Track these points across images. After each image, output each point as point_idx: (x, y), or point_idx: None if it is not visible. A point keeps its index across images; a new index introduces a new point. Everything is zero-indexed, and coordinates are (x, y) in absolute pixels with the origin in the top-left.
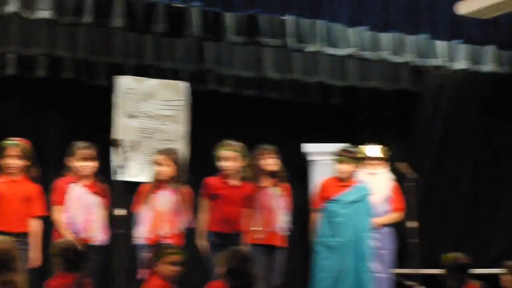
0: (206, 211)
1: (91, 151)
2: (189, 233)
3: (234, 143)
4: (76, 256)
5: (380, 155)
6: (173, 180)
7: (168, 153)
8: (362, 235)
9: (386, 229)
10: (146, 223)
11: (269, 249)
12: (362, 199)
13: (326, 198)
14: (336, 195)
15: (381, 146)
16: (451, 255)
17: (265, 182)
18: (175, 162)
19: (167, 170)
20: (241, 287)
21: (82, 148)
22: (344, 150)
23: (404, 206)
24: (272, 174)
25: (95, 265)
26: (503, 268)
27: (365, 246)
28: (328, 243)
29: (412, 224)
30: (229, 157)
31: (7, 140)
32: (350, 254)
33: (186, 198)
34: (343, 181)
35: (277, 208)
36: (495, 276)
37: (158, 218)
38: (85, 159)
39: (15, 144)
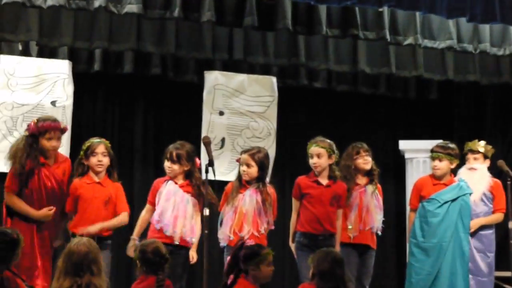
0: (296, 212)
1: (176, 152)
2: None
3: (324, 139)
4: (155, 258)
5: (481, 150)
6: (256, 180)
7: (253, 152)
8: (459, 236)
9: (490, 231)
10: (228, 223)
11: (362, 249)
12: (459, 198)
13: (422, 197)
14: (432, 193)
15: (484, 142)
16: None
17: (361, 180)
18: (259, 161)
19: (251, 170)
20: None
21: (170, 148)
22: (439, 146)
23: (505, 206)
24: (367, 173)
25: (180, 267)
26: None
27: (463, 248)
28: (422, 244)
29: (510, 224)
30: (317, 153)
31: (92, 138)
32: (445, 256)
33: (270, 198)
34: (439, 179)
35: (372, 207)
36: None
37: (240, 219)
38: (169, 159)
39: (102, 142)
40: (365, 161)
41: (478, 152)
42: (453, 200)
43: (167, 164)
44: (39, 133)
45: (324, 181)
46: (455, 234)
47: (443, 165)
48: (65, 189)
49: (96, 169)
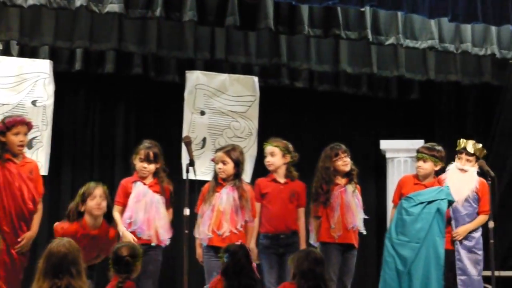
0: (258, 213)
1: (152, 151)
2: None
3: (279, 139)
4: (123, 258)
5: (476, 152)
6: (233, 177)
7: (227, 149)
8: (435, 239)
9: (479, 232)
10: (206, 223)
11: (345, 248)
12: (436, 201)
13: (402, 195)
14: (410, 192)
15: (480, 144)
16: None
17: (340, 180)
18: (235, 158)
19: (227, 167)
20: None
21: (144, 148)
22: (425, 147)
23: (489, 208)
24: (347, 173)
25: (152, 264)
26: None
27: (438, 252)
28: (394, 240)
29: (490, 224)
30: (271, 152)
31: (89, 183)
32: (417, 258)
33: (246, 195)
34: (420, 179)
35: (353, 207)
36: None
37: (218, 217)
38: (145, 160)
39: (98, 185)
40: (344, 163)
41: (473, 154)
42: (429, 202)
43: (142, 164)
44: (7, 128)
45: (281, 179)
46: (430, 237)
47: (427, 166)
48: (33, 188)
49: (94, 212)
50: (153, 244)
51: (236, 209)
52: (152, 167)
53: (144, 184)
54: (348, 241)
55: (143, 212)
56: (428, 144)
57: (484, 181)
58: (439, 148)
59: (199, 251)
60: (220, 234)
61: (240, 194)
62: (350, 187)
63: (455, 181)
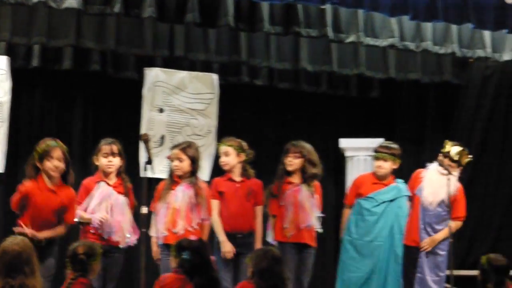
0: (217, 211)
1: (115, 145)
2: None
3: (233, 138)
4: (78, 256)
5: (458, 158)
6: (189, 175)
7: (183, 147)
8: (395, 237)
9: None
10: (161, 221)
11: (300, 247)
12: (397, 199)
13: (359, 195)
14: (370, 192)
15: (463, 149)
16: (490, 256)
17: (295, 179)
18: (191, 155)
19: (183, 164)
20: (272, 287)
21: (106, 144)
22: (383, 147)
23: (465, 215)
24: (302, 171)
25: (116, 266)
26: None
27: (397, 250)
28: (356, 242)
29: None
30: (225, 152)
31: (47, 141)
32: (380, 256)
33: (202, 192)
34: (379, 178)
35: (307, 206)
36: None
37: (173, 215)
38: (109, 155)
39: (59, 146)
40: (289, 162)
41: (455, 161)
42: (391, 201)
43: (107, 159)
44: None
45: (237, 178)
46: (391, 236)
47: (387, 166)
48: None
49: (51, 173)
50: (121, 246)
51: (192, 206)
52: (117, 161)
53: (109, 185)
54: (302, 240)
55: (109, 214)
56: (385, 143)
57: (461, 186)
58: (396, 146)
59: (155, 249)
60: (176, 232)
61: (196, 191)
62: (304, 186)
63: (434, 182)
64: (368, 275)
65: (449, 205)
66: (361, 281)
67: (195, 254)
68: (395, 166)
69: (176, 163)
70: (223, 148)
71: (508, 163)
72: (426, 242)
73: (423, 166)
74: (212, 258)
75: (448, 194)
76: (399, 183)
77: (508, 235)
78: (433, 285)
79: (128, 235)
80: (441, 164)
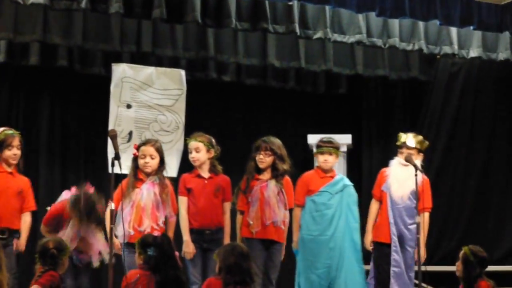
0: (185, 208)
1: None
2: None
3: (202, 134)
4: (48, 250)
5: (417, 146)
6: (155, 173)
7: (155, 144)
8: (350, 226)
9: (413, 225)
10: (126, 219)
11: (268, 243)
12: (346, 189)
13: (310, 192)
14: (321, 186)
15: (420, 136)
16: (473, 248)
17: (264, 175)
18: (162, 153)
19: (154, 162)
20: (238, 284)
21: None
22: (327, 142)
23: (432, 206)
24: (273, 168)
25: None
26: None
27: (354, 237)
28: (318, 238)
29: (418, 219)
30: (196, 148)
31: (5, 130)
32: (343, 247)
33: (167, 189)
34: (325, 172)
35: (273, 202)
36: (504, 274)
37: (139, 213)
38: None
39: (16, 135)
40: (261, 160)
41: (413, 148)
42: (341, 191)
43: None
44: None
45: (205, 174)
46: (347, 225)
47: (333, 159)
48: None
49: (11, 161)
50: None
51: (157, 204)
52: None
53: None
54: (268, 236)
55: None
56: (327, 138)
57: (426, 177)
58: (335, 140)
59: (117, 242)
60: (142, 231)
61: (162, 189)
62: (272, 182)
63: (399, 176)
64: (334, 268)
65: (418, 196)
66: (332, 275)
67: (159, 250)
68: (337, 160)
69: (147, 160)
70: (194, 143)
71: (475, 158)
72: (423, 256)
73: (391, 161)
74: (177, 254)
75: (416, 184)
76: (341, 175)
77: (475, 231)
78: (410, 280)
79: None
80: (407, 159)
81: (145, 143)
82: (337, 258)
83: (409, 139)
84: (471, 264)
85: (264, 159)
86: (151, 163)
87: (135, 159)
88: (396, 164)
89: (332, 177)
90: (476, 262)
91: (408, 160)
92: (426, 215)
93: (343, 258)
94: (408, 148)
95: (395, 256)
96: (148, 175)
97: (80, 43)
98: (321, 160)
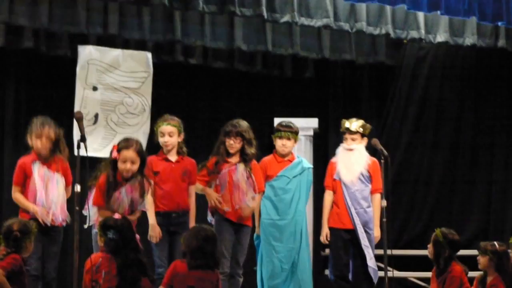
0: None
1: (49, 128)
2: None
3: (173, 117)
4: (12, 232)
5: (360, 130)
6: (135, 176)
7: (137, 148)
8: (303, 210)
9: (369, 208)
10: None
11: (237, 226)
12: (304, 172)
13: (268, 177)
14: (279, 171)
15: (361, 121)
16: (444, 230)
17: (232, 158)
18: (143, 157)
19: (134, 167)
20: (201, 267)
21: (40, 125)
22: (285, 126)
23: (382, 187)
24: (242, 152)
25: (56, 245)
26: (478, 249)
27: (304, 221)
28: (279, 222)
29: (383, 202)
30: (169, 132)
31: None
32: (300, 231)
33: (146, 189)
34: (283, 156)
35: (243, 186)
36: (469, 258)
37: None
38: (41, 136)
39: None
40: (231, 146)
41: (356, 132)
42: (300, 174)
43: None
44: None
45: (173, 158)
46: (302, 209)
47: (291, 144)
48: None
49: None
50: (57, 223)
51: (135, 203)
52: (48, 144)
53: (43, 163)
54: (239, 220)
55: (47, 192)
56: (286, 122)
57: (375, 159)
58: (295, 124)
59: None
60: None
61: (141, 190)
62: (241, 166)
63: (346, 161)
64: (296, 251)
65: (369, 177)
66: (289, 259)
67: (118, 233)
68: (295, 144)
69: (128, 166)
70: (168, 128)
71: (441, 142)
72: (377, 237)
73: (336, 149)
74: (138, 237)
75: (362, 166)
76: (301, 158)
77: (441, 215)
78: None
79: (62, 213)
80: (345, 142)
81: (126, 146)
82: (299, 241)
83: (352, 124)
84: (440, 246)
85: (234, 145)
86: (132, 168)
87: (115, 162)
88: (342, 151)
89: (290, 160)
90: (446, 244)
91: (375, 144)
92: (378, 196)
93: (302, 242)
94: (351, 133)
95: (362, 239)
96: (125, 178)
97: (46, 25)
98: (279, 144)
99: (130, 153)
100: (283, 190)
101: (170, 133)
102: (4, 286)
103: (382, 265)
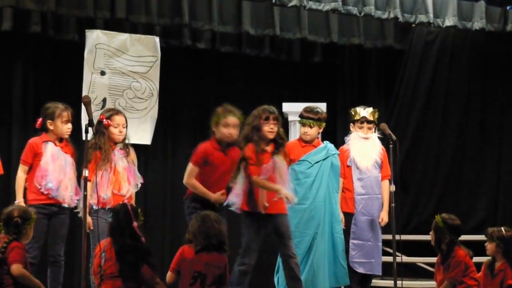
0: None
1: (72, 112)
2: None
3: (236, 109)
4: (13, 219)
5: (374, 119)
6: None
7: (124, 114)
8: (331, 196)
9: (377, 195)
10: (104, 185)
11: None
12: (328, 158)
13: (291, 161)
14: (302, 155)
15: (372, 108)
16: (444, 216)
17: (268, 147)
18: (126, 123)
19: (126, 131)
20: (208, 249)
21: (65, 110)
22: (309, 112)
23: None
24: (273, 140)
25: (65, 228)
26: (486, 235)
27: (334, 208)
28: (297, 207)
29: (391, 188)
30: (235, 125)
31: None
32: (321, 216)
33: (133, 157)
34: (307, 142)
35: (285, 178)
36: (478, 243)
37: (118, 179)
38: (68, 121)
39: None
40: (271, 130)
41: (372, 121)
42: (323, 160)
43: (67, 126)
44: None
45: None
46: (328, 194)
47: (314, 131)
48: None
49: None
50: (65, 205)
51: (130, 169)
52: (71, 127)
53: (56, 145)
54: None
55: (58, 173)
56: (310, 108)
57: (383, 147)
58: (321, 110)
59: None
60: (123, 194)
61: (128, 155)
62: (280, 157)
63: (360, 149)
64: (313, 237)
65: (381, 164)
66: (307, 245)
67: (114, 219)
68: (320, 130)
69: (122, 129)
70: (235, 120)
71: (449, 127)
72: (382, 219)
73: (346, 138)
74: (135, 224)
75: (377, 153)
76: (327, 143)
77: (449, 201)
78: (378, 249)
79: (68, 195)
80: (360, 131)
81: (116, 112)
82: (315, 228)
83: (369, 113)
84: (441, 231)
85: (274, 129)
86: (124, 132)
87: (106, 128)
88: (356, 138)
89: (315, 146)
90: (446, 228)
91: (383, 129)
92: (387, 182)
93: (323, 228)
94: (369, 122)
95: (354, 228)
96: (116, 143)
97: (53, 8)
98: (302, 131)
99: (121, 118)
100: (304, 174)
101: (235, 125)
102: (27, 279)
103: (390, 251)
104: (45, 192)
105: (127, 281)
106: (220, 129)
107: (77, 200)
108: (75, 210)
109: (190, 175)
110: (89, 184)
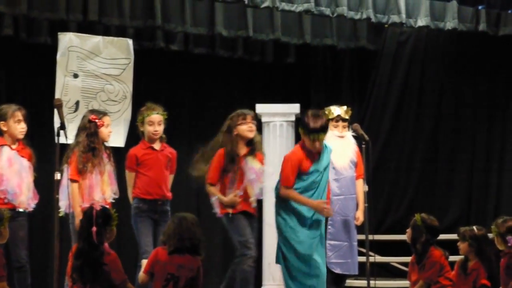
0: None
1: (25, 112)
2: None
3: (159, 106)
4: None
5: (347, 116)
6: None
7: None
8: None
9: (353, 196)
10: (96, 189)
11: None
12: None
13: (301, 173)
14: (310, 165)
15: (345, 106)
16: (423, 215)
17: (242, 150)
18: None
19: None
20: (181, 251)
21: (18, 110)
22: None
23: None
24: (249, 142)
25: (23, 230)
26: (458, 235)
27: None
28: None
29: (365, 187)
30: (159, 121)
31: None
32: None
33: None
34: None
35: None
36: (451, 243)
37: (104, 183)
38: (21, 121)
39: None
40: (250, 129)
41: (347, 119)
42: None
43: (21, 125)
44: None
45: (157, 146)
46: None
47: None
48: None
49: None
50: (20, 209)
51: (111, 173)
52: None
53: (12, 149)
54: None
55: (14, 178)
56: (320, 121)
57: (358, 146)
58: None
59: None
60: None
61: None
62: (255, 161)
63: (337, 148)
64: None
65: (355, 163)
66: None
67: (80, 221)
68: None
69: (110, 129)
70: (158, 117)
71: (422, 127)
72: (358, 219)
73: None
74: (93, 229)
75: (353, 151)
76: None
77: (423, 200)
78: (353, 250)
79: (25, 199)
80: (336, 129)
81: (104, 113)
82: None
83: (342, 111)
84: (418, 230)
85: (253, 128)
86: (109, 133)
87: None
88: (332, 137)
89: (318, 152)
90: (424, 228)
91: (356, 129)
92: (361, 181)
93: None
94: (344, 120)
95: (331, 229)
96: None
97: (25, 11)
98: (310, 144)
99: (108, 118)
100: (316, 183)
101: (159, 122)
102: None
103: (364, 250)
104: (2, 196)
105: (92, 285)
106: (146, 128)
107: (34, 205)
108: (59, 210)
109: (128, 183)
110: (74, 185)
